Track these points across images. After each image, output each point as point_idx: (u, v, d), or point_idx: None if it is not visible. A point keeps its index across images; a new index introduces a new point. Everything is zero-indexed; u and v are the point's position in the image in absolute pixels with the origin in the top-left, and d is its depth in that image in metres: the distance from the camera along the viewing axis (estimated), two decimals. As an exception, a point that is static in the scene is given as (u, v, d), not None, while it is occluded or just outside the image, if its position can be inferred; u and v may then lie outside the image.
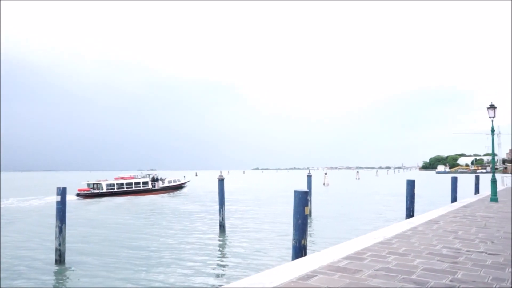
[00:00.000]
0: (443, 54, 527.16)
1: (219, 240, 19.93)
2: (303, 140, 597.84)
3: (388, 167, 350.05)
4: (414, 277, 5.22)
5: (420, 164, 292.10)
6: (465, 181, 41.94)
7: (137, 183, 51.10)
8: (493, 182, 19.32)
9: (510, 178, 43.63)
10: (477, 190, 27.20)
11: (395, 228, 9.63)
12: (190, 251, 17.25)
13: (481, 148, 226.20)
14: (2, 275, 13.56)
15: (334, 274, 5.25)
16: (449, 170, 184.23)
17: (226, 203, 22.98)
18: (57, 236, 15.14)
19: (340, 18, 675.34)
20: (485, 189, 26.10)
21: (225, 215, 22.77)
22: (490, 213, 13.70)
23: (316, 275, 5.15)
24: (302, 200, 7.54)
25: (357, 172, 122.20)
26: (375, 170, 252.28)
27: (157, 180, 54.90)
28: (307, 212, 7.54)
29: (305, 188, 8.50)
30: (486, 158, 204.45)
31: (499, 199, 19.07)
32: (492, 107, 19.48)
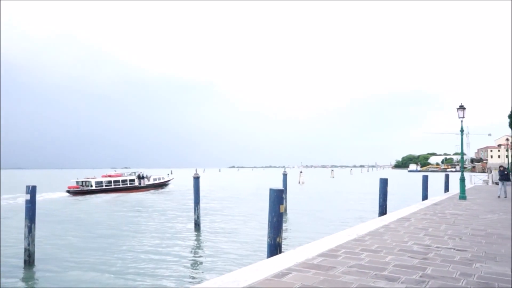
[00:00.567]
0: (414, 59, 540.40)
1: (194, 239, 19.82)
2: (279, 138, 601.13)
3: (362, 166, 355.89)
4: (386, 273, 5.33)
5: (393, 163, 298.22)
6: (436, 180, 43.08)
7: (124, 181, 52.47)
8: (462, 180, 19.93)
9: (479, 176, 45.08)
10: (446, 188, 28.04)
11: (368, 226, 9.81)
12: (165, 250, 17.08)
13: (451, 148, 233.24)
14: None
15: (309, 271, 5.30)
16: (421, 169, 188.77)
17: (202, 202, 22.88)
18: (26, 236, 14.66)
19: (317, 20, 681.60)
20: (455, 187, 26.88)
21: (201, 213, 22.68)
22: (459, 210, 14.14)
23: (291, 273, 5.19)
24: (277, 198, 7.59)
25: (332, 170, 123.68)
26: (349, 168, 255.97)
27: (143, 177, 56.25)
28: (282, 210, 7.60)
29: (280, 186, 8.55)
30: (455, 157, 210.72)
31: (467, 197, 19.69)
32: (462, 108, 20.09)
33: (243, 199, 41.32)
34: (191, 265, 14.88)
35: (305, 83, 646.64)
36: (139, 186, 54.40)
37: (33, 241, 14.77)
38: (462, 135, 20.95)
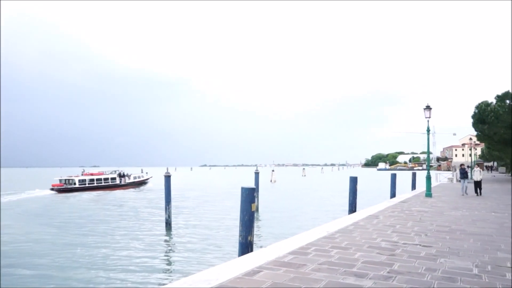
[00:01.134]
0: (384, 62, 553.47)
1: (165, 238, 19.60)
2: (252, 137, 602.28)
3: (333, 164, 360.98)
4: (354, 269, 5.45)
5: (363, 162, 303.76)
6: (403, 178, 44.19)
7: (106, 179, 53.83)
8: (428, 178, 20.55)
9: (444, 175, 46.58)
10: (413, 186, 28.84)
11: (339, 223, 9.98)
12: (135, 249, 16.82)
13: (418, 147, 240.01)
14: None
15: (279, 269, 5.35)
16: (389, 167, 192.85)
17: (174, 201, 22.63)
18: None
19: (292, 22, 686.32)
20: (421, 185, 27.69)
21: (173, 212, 22.43)
22: (425, 207, 14.58)
23: (262, 271, 5.22)
24: (249, 196, 7.61)
25: (303, 169, 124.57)
26: (320, 167, 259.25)
27: (123, 176, 57.74)
28: (253, 209, 7.62)
29: (252, 185, 8.57)
30: (422, 156, 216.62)
31: (433, 195, 20.32)
32: (428, 108, 20.70)
33: (215, 198, 41.16)
34: (162, 264, 14.71)
35: (278, 83, 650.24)
36: (121, 184, 55.64)
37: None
38: (428, 134, 21.58)
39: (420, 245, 7.38)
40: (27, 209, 31.92)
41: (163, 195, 22.33)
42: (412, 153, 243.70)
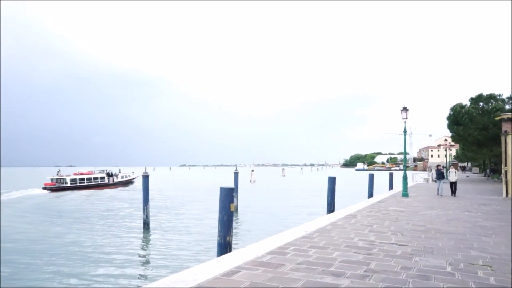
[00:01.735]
0: (361, 64, 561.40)
1: (143, 238, 19.37)
2: (231, 137, 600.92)
3: (312, 165, 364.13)
4: (332, 269, 5.50)
5: (342, 162, 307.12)
6: (381, 178, 44.90)
7: (95, 178, 55.46)
8: (405, 179, 20.93)
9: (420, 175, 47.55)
10: (391, 186, 29.33)
11: (317, 223, 10.06)
12: (112, 250, 16.55)
13: (396, 147, 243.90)
14: None
15: (258, 269, 5.35)
16: (367, 167, 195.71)
17: (152, 201, 22.40)
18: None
19: (275, 20, 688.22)
20: (398, 185, 28.18)
21: (152, 212, 22.20)
22: (401, 207, 14.85)
23: (240, 271, 5.22)
24: (228, 197, 7.59)
25: (283, 169, 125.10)
26: (299, 167, 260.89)
27: (111, 175, 59.41)
28: (232, 209, 7.61)
29: (231, 185, 8.56)
30: (399, 157, 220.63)
31: (409, 195, 20.71)
32: (405, 109, 21.09)
33: (195, 198, 40.92)
34: (139, 265, 14.53)
35: (257, 83, 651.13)
36: (109, 183, 57.46)
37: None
38: (405, 135, 21.98)
39: (396, 244, 7.50)
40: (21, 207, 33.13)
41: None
42: (390, 153, 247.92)
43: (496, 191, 25.24)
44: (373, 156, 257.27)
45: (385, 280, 4.99)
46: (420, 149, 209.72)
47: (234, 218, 8.06)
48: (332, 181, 16.93)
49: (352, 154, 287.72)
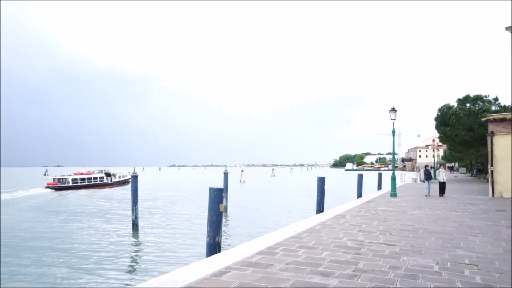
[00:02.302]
0: (351, 65, 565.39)
1: (132, 239, 19.23)
2: (221, 137, 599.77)
3: (302, 165, 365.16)
4: (321, 268, 5.53)
5: (331, 162, 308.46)
6: (370, 178, 45.20)
7: (95, 178, 57.22)
8: (393, 179, 21.10)
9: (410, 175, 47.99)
10: (379, 186, 29.56)
11: (306, 223, 10.09)
12: (101, 251, 16.39)
13: (385, 148, 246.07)
14: None
15: (247, 269, 5.35)
16: (356, 168, 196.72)
17: (142, 201, 22.23)
18: None
19: (265, 21, 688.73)
20: (387, 185, 28.38)
21: (141, 213, 22.02)
22: (390, 207, 14.97)
23: (229, 271, 5.22)
24: (217, 197, 7.58)
25: (273, 169, 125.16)
26: (289, 167, 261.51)
27: (109, 175, 60.81)
28: (221, 209, 7.59)
29: (220, 185, 8.53)
30: (388, 157, 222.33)
31: (397, 195, 20.89)
32: (393, 110, 21.26)
33: (184, 198, 40.75)
34: (127, 266, 14.41)
35: (247, 83, 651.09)
36: (108, 183, 59.18)
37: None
38: (393, 136, 22.17)
39: (384, 244, 7.56)
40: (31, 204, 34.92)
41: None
42: (379, 154, 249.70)
43: (482, 191, 25.58)
44: (362, 156, 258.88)
45: (373, 279, 5.03)
46: (408, 150, 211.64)
47: (223, 218, 8.05)
48: (321, 181, 16.98)
49: (342, 154, 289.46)
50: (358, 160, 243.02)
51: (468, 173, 71.45)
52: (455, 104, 44.64)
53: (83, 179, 54.87)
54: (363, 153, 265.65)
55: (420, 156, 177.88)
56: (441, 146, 72.89)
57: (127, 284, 11.96)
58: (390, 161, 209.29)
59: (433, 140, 57.15)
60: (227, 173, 31.53)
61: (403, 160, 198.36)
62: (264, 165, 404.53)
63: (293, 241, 7.54)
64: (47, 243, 18.14)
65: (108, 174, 60.53)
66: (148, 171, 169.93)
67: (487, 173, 32.46)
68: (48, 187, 51.28)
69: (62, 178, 53.37)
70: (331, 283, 4.82)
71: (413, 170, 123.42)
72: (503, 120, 20.43)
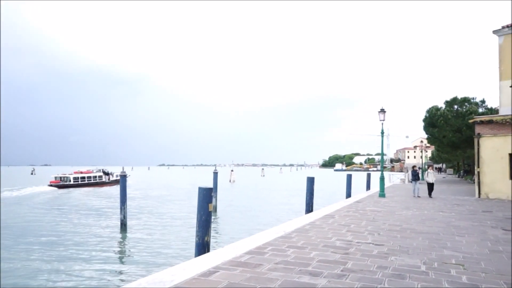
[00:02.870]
0: (339, 66, 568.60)
1: (120, 239, 19.07)
2: (211, 137, 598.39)
3: (291, 165, 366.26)
4: (310, 268, 5.54)
5: (321, 162, 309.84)
6: (359, 178, 45.46)
7: (95, 177, 59.57)
8: (382, 179, 21.25)
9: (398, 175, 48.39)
10: (368, 187, 29.74)
11: (295, 223, 10.11)
12: (87, 250, 16.23)
13: (373, 148, 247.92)
14: None
15: (236, 269, 5.35)
16: (346, 168, 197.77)
17: (131, 200, 22.05)
18: None
19: (255, 21, 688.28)
20: (375, 186, 28.59)
21: (130, 212, 21.84)
22: (378, 207, 15.07)
23: (218, 271, 5.20)
24: (206, 197, 7.55)
25: (262, 169, 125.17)
26: (279, 167, 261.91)
27: (108, 174, 62.86)
28: (211, 209, 7.57)
29: (209, 185, 8.51)
30: (377, 158, 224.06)
31: (386, 195, 21.05)
32: (382, 111, 21.42)
33: (173, 198, 40.57)
34: (115, 266, 14.28)
35: (237, 83, 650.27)
36: (107, 181, 61.29)
37: None
38: (382, 136, 22.32)
39: (372, 243, 7.61)
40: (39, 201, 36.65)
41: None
42: (368, 154, 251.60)
43: (469, 191, 25.91)
44: (351, 157, 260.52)
45: (362, 279, 5.06)
46: (397, 150, 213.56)
47: (212, 218, 8.03)
48: (310, 181, 17.03)
49: (331, 154, 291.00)
50: (347, 161, 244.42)
51: (455, 174, 72.30)
52: (443, 106, 45.14)
53: (83, 177, 57.37)
54: (352, 154, 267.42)
55: (408, 157, 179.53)
56: (429, 147, 73.64)
57: (115, 285, 11.86)
58: (379, 161, 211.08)
59: (421, 141, 57.73)
60: (216, 173, 31.46)
61: (391, 160, 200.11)
62: (254, 165, 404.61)
63: (282, 241, 7.55)
64: (35, 240, 17.92)
65: (106, 173, 62.65)
66: (137, 170, 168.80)
67: (473, 174, 32.88)
68: (51, 185, 53.50)
69: (64, 177, 55.84)
70: (319, 282, 4.83)
71: (401, 171, 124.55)
72: (489, 122, 20.71)
